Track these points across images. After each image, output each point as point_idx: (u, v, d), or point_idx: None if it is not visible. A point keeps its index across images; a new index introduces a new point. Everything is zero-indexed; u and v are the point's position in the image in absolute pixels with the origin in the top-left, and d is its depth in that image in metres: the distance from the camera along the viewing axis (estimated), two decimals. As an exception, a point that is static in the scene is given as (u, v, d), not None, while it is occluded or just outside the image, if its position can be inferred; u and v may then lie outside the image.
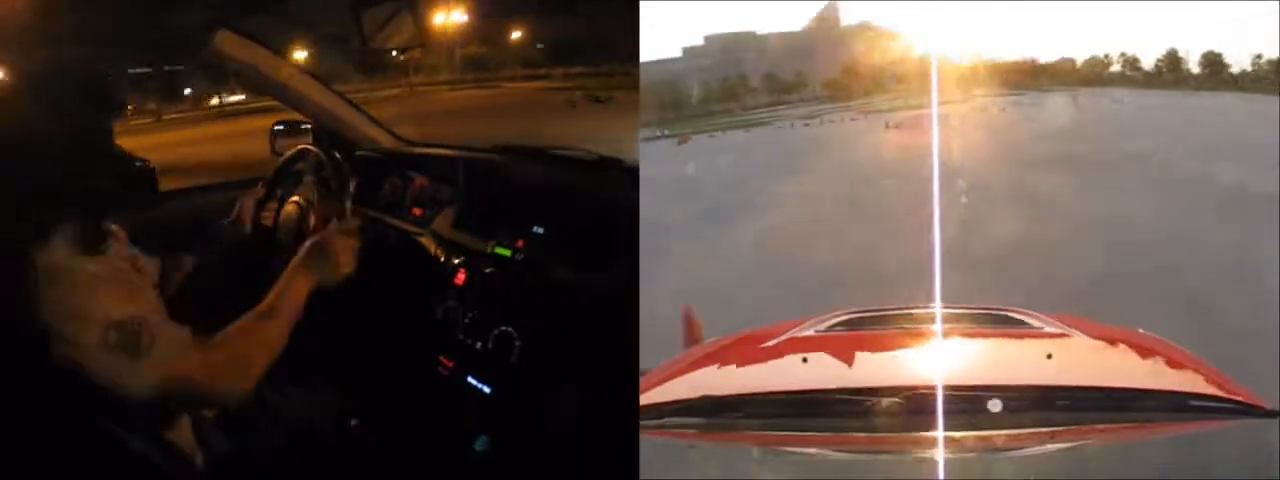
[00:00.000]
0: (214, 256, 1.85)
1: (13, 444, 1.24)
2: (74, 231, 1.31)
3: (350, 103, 2.46)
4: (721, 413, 1.28)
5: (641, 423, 1.24)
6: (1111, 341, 1.59)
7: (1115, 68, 40.20)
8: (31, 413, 1.25)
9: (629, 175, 1.95)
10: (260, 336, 1.39)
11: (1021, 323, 1.69)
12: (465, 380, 1.79)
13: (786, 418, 1.26)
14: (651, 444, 1.15)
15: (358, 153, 2.41)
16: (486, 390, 1.75)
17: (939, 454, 1.17)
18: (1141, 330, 1.64)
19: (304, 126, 2.38)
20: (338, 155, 1.95)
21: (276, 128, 2.37)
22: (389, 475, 1.71)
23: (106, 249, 1.33)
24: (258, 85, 2.26)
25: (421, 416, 1.82)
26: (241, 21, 2.17)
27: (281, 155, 2.19)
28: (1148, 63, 39.10)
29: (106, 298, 1.26)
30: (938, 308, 1.94)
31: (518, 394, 1.69)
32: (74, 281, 1.25)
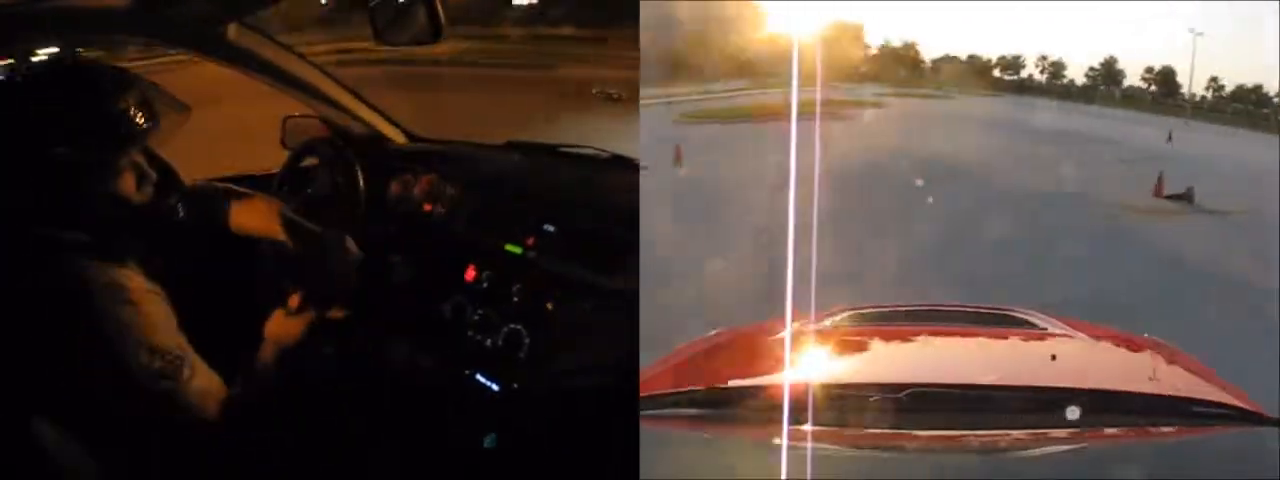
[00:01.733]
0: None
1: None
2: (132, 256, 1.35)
3: (362, 98, 2.46)
4: (724, 404, 1.29)
5: (644, 413, 1.25)
6: (1116, 344, 1.59)
7: (1031, 72, 29.05)
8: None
9: (634, 173, 1.96)
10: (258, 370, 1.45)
11: (1026, 323, 1.70)
12: (474, 377, 1.80)
13: (788, 411, 1.26)
14: (653, 438, 1.16)
15: (368, 148, 2.41)
16: (495, 387, 1.76)
17: (939, 453, 1.18)
18: (1147, 335, 1.64)
19: (314, 121, 2.39)
20: (348, 150, 1.96)
21: (287, 121, 2.38)
22: (396, 472, 1.73)
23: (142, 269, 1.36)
24: (268, 78, 2.26)
25: (430, 413, 1.83)
26: (251, 14, 2.17)
27: (291, 149, 2.21)
28: (1075, 71, 29.08)
29: (155, 318, 1.30)
30: (944, 306, 1.95)
31: (526, 392, 1.71)
32: (128, 299, 1.28)
